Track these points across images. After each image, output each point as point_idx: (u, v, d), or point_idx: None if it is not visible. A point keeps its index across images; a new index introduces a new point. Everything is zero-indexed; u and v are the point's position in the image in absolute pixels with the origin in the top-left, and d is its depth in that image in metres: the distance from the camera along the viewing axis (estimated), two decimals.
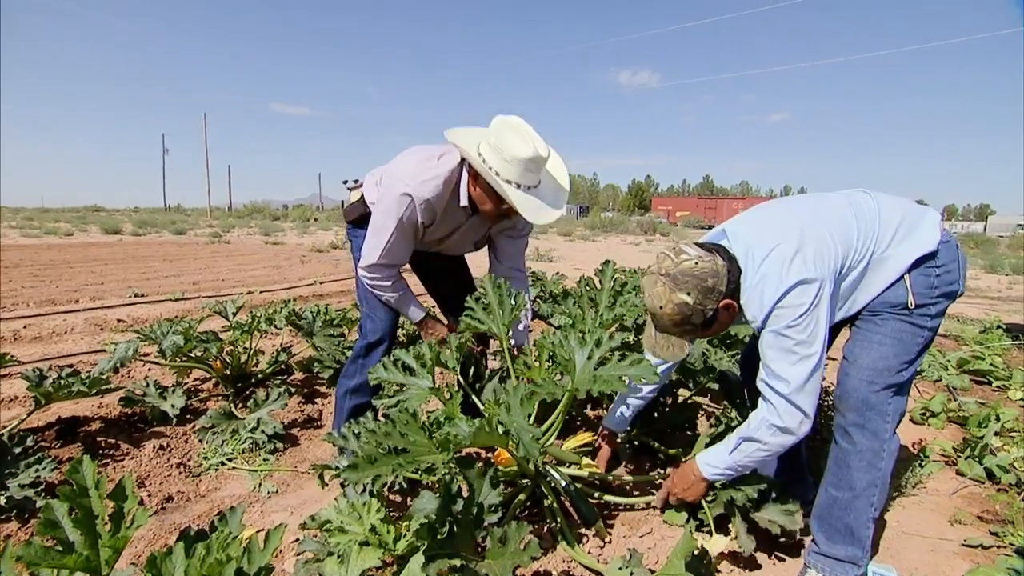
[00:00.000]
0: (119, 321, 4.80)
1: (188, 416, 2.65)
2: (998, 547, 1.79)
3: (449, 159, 1.91)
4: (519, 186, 1.77)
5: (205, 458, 2.28)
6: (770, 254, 1.43)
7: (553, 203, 1.85)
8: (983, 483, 2.24)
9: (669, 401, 2.17)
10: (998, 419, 2.64)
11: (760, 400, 1.51)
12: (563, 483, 1.75)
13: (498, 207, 1.86)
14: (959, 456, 2.42)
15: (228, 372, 3.02)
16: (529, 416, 1.39)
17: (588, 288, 2.04)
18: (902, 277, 1.49)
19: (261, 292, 6.71)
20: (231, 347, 3.04)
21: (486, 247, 2.31)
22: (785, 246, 1.42)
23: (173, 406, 2.55)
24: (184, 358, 2.91)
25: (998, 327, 5.10)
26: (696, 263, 1.41)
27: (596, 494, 1.85)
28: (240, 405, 2.85)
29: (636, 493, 1.97)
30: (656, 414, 2.18)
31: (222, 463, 2.25)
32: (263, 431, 2.42)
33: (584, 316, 1.96)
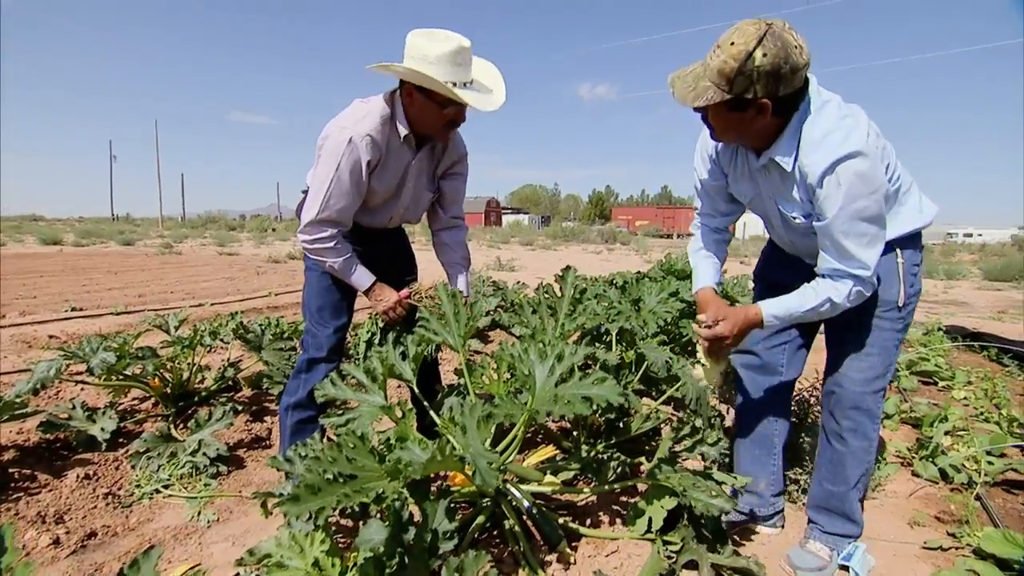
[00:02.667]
0: (51, 337, 4.46)
1: (121, 440, 2.44)
2: (956, 548, 1.80)
3: (375, 98, 1.88)
4: (455, 84, 1.74)
5: (138, 486, 2.09)
6: (850, 115, 1.40)
7: (493, 93, 1.85)
8: (938, 483, 2.27)
9: (633, 412, 2.12)
10: (946, 419, 2.72)
11: (837, 280, 1.46)
12: (525, 503, 1.66)
13: (440, 115, 1.81)
14: (914, 457, 2.46)
15: (168, 390, 2.82)
16: (486, 441, 1.30)
17: (548, 296, 1.97)
18: (896, 249, 1.55)
19: (212, 304, 6.40)
20: (172, 363, 2.84)
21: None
22: (862, 123, 1.40)
23: (103, 429, 2.33)
24: (120, 377, 2.70)
25: (939, 329, 5.33)
26: (796, 48, 1.28)
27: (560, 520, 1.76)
28: (181, 426, 2.65)
29: (601, 512, 1.90)
30: (620, 425, 2.13)
31: (157, 491, 2.07)
32: (205, 453, 2.24)
33: (544, 326, 1.89)
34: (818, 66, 1.41)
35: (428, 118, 1.83)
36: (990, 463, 2.29)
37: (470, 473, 1.35)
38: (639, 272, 4.15)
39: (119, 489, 2.09)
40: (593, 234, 29.27)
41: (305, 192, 2.12)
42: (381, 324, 2.54)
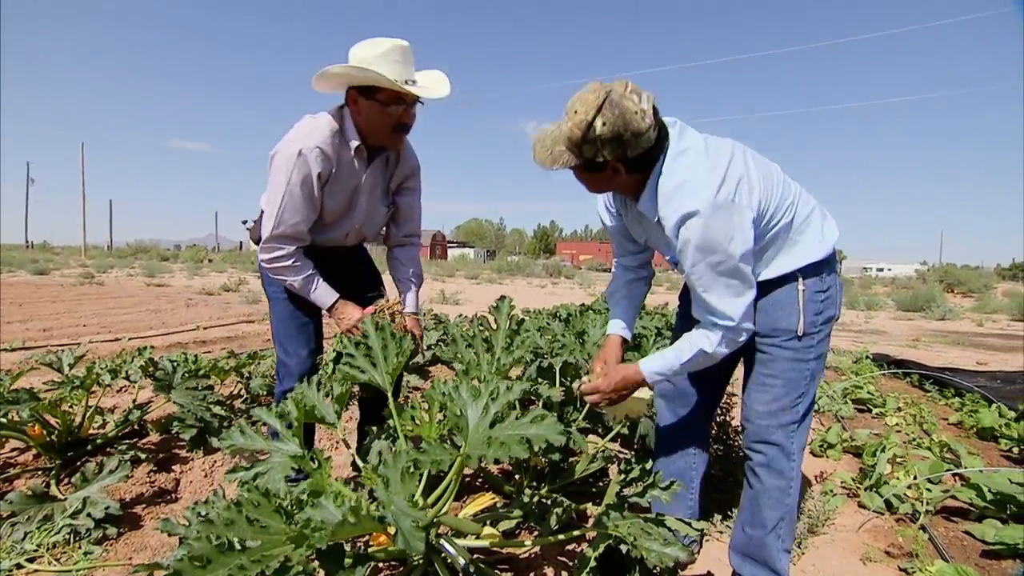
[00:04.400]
0: None
1: None
2: None
3: (323, 113, 1.86)
4: (397, 82, 1.72)
5: None
6: (706, 165, 1.36)
7: (439, 84, 1.84)
8: (883, 514, 2.25)
9: (579, 452, 1.99)
10: (884, 449, 2.75)
11: (708, 329, 1.46)
12: (461, 560, 1.48)
13: (387, 116, 1.78)
14: (859, 487, 2.45)
15: (54, 439, 2.44)
16: (412, 495, 1.12)
17: (482, 328, 1.83)
18: (798, 278, 1.49)
19: (131, 339, 5.83)
20: (59, 408, 2.47)
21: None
22: (718, 173, 1.36)
23: None
24: None
25: (867, 357, 5.59)
26: (637, 114, 1.29)
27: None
28: (67, 481, 2.29)
29: (545, 566, 1.73)
30: (565, 466, 1.99)
31: (18, 565, 1.72)
32: (90, 514, 1.90)
33: (479, 361, 1.74)
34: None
35: (375, 122, 1.80)
36: (929, 491, 2.30)
37: (392, 533, 1.16)
38: (583, 305, 4.10)
39: None
40: (538, 268, 29.47)
41: (256, 223, 2.02)
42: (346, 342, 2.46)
